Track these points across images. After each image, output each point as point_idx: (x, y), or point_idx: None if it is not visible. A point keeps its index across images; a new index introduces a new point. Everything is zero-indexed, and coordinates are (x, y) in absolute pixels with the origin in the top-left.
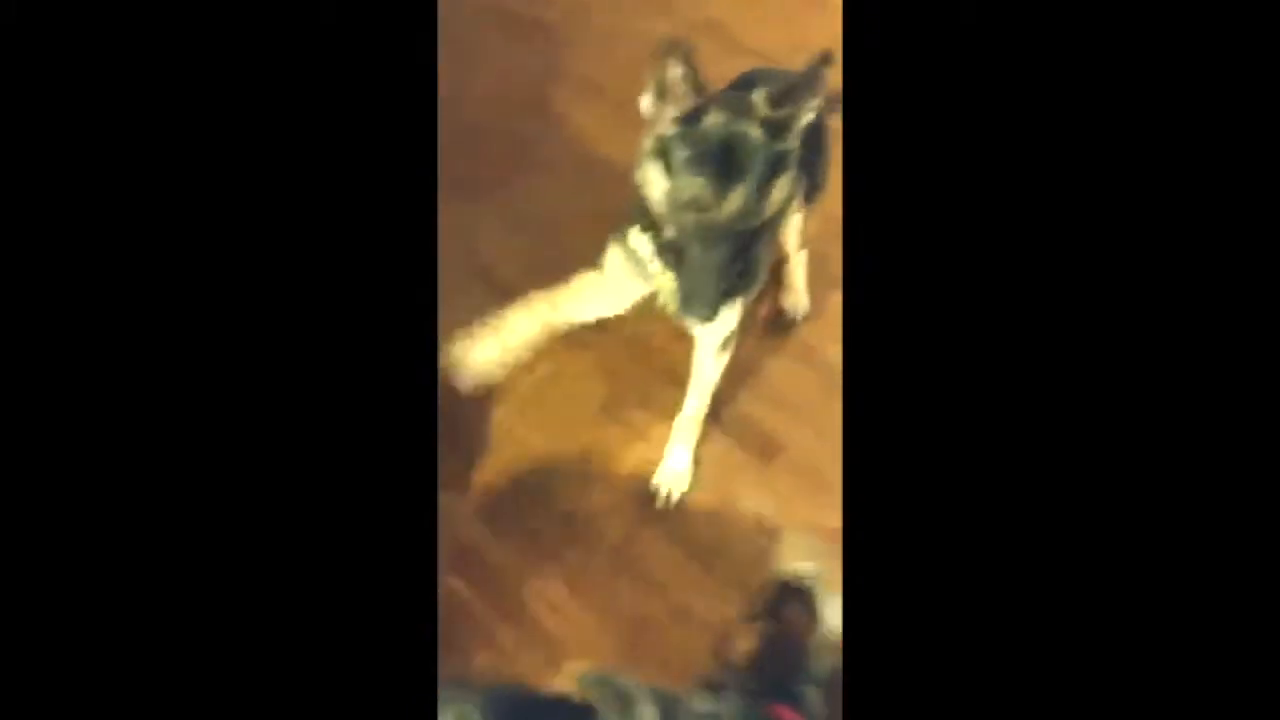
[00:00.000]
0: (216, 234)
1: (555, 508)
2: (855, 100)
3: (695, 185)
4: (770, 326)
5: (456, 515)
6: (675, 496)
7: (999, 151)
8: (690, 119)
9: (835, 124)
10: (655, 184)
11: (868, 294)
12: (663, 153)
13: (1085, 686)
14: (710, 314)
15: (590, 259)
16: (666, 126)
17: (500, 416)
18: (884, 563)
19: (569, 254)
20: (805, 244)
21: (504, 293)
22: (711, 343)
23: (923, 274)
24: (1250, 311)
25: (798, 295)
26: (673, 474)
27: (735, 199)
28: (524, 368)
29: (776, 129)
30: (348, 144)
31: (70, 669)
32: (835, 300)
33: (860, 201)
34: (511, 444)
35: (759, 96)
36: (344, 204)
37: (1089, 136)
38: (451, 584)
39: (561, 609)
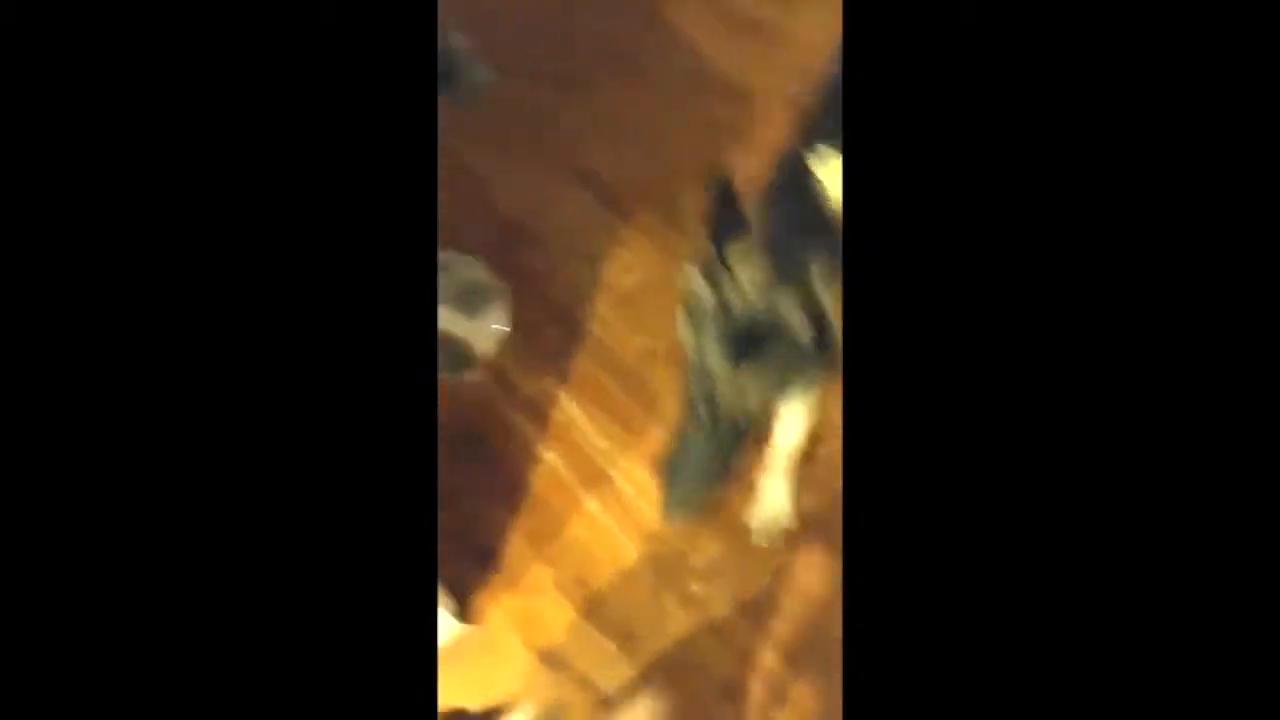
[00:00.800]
0: (249, 141)
1: (649, 396)
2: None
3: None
4: None
5: (556, 398)
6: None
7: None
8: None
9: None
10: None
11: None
12: (697, 312)
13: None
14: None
15: (695, 173)
16: (706, 294)
17: (600, 311)
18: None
19: (674, 167)
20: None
21: (608, 201)
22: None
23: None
24: (1250, 312)
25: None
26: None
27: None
28: (622, 268)
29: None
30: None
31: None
32: None
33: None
34: (609, 337)
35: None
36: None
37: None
38: (545, 456)
39: (648, 488)
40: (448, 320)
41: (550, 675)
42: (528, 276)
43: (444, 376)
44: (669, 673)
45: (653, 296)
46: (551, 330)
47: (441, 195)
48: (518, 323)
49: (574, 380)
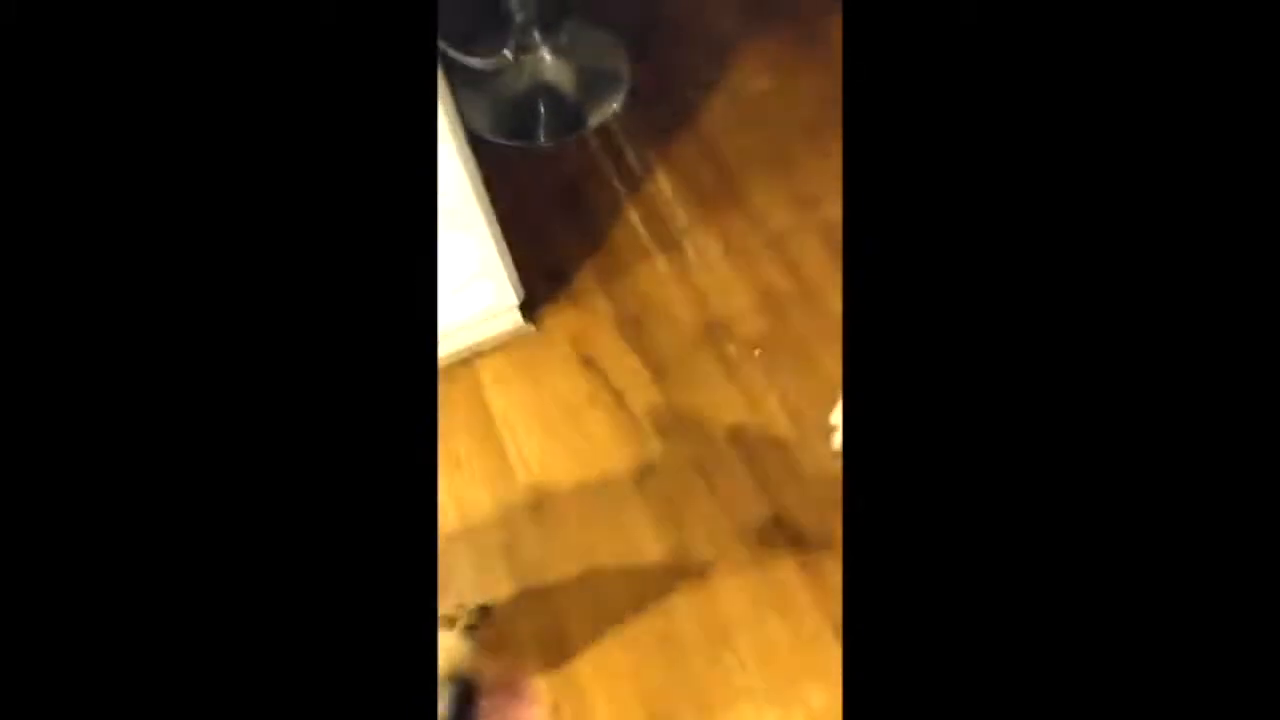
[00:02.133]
0: None
1: (735, 188)
2: None
3: None
4: None
5: (653, 170)
6: None
7: None
8: None
9: None
10: None
11: None
12: None
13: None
14: None
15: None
16: None
17: (717, 107)
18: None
19: None
20: None
21: (753, 10)
22: None
23: None
24: (1251, 311)
25: None
26: None
27: None
28: (750, 73)
29: None
30: None
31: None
32: None
33: None
34: (717, 132)
35: None
36: None
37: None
38: (631, 216)
39: (713, 265)
40: (571, 87)
41: (587, 377)
42: (660, 62)
43: (559, 139)
44: (689, 408)
45: (770, 104)
46: (664, 113)
47: None
48: (641, 101)
49: (673, 159)
